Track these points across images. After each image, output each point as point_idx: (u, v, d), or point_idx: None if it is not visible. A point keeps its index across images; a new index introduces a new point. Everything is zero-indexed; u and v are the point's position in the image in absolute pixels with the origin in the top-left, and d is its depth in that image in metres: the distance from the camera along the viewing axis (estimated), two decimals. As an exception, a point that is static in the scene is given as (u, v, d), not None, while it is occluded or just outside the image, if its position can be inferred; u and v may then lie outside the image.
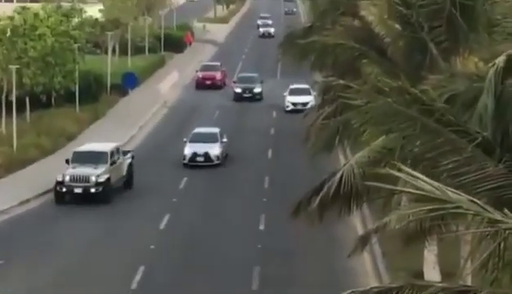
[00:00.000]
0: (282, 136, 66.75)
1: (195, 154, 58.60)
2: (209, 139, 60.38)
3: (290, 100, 76.81)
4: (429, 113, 15.58)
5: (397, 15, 27.87)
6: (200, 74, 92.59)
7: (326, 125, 31.88)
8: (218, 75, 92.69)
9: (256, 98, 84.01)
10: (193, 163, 58.96)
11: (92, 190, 47.81)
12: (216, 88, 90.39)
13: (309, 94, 74.11)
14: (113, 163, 49.46)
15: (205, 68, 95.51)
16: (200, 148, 59.27)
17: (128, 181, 51.53)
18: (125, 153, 52.51)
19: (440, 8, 26.10)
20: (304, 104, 72.61)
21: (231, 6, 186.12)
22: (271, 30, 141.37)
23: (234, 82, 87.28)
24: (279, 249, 39.59)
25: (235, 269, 37.42)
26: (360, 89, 20.03)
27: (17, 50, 62.64)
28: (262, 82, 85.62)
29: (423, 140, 15.52)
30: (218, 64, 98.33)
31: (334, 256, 36.92)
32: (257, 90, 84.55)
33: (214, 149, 59.50)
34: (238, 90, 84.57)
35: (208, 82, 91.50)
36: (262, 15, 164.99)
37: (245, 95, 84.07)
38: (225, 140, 60.80)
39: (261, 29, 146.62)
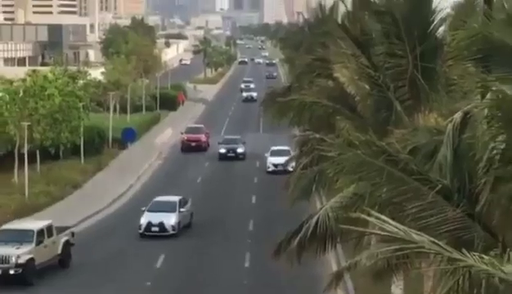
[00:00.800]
0: (264, 184, 66.85)
1: (149, 224, 52.15)
2: (167, 208, 53.76)
3: (272, 161, 71.82)
4: (394, 163, 15.62)
5: (366, 77, 27.98)
6: (185, 136, 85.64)
7: (304, 174, 31.89)
8: (203, 137, 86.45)
9: (239, 157, 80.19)
10: (148, 233, 52.09)
11: (11, 272, 40.19)
12: (201, 150, 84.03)
13: (289, 155, 66.56)
14: (40, 242, 41.82)
15: (190, 130, 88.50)
16: (156, 217, 52.63)
17: (63, 260, 43.92)
18: (62, 229, 44.96)
19: (403, 70, 26.25)
20: (286, 165, 64.44)
21: (219, 69, 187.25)
22: (254, 94, 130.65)
23: (219, 143, 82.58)
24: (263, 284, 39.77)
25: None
26: (333, 142, 19.97)
27: (28, 108, 62.50)
28: (244, 143, 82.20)
29: (389, 187, 15.55)
30: (202, 126, 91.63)
31: (311, 291, 36.78)
32: (239, 150, 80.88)
33: (170, 219, 52.99)
34: (222, 150, 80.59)
35: (193, 144, 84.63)
36: (245, 79, 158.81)
37: (229, 154, 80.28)
38: (184, 209, 54.46)
39: (244, 94, 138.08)
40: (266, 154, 73.46)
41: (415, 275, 25.38)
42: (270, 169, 71.76)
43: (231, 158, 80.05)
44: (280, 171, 64.60)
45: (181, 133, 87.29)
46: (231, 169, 76.08)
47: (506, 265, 9.59)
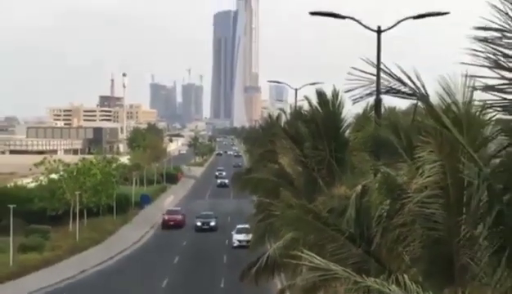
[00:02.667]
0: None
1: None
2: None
3: (237, 237, 59.14)
4: (318, 218, 15.50)
5: (299, 162, 28.01)
6: (166, 217, 72.97)
7: (259, 226, 31.74)
8: (179, 217, 73.10)
9: (212, 229, 69.82)
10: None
11: None
12: (178, 227, 71.17)
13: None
14: None
15: (169, 212, 75.24)
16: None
17: None
18: None
19: (323, 158, 26.26)
20: (248, 242, 51.06)
21: (204, 157, 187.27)
22: (226, 181, 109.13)
23: (196, 218, 71.86)
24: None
25: None
26: (278, 205, 19.99)
27: (79, 182, 63.00)
28: (216, 218, 71.62)
29: (315, 234, 15.41)
30: (179, 208, 78.78)
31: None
32: (212, 224, 70.49)
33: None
34: (198, 223, 70.41)
35: (171, 223, 71.57)
36: (218, 168, 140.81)
37: (204, 227, 70.11)
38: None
39: (218, 180, 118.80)
40: (232, 232, 61.02)
41: (332, 292, 25.16)
42: (235, 244, 58.59)
43: (205, 229, 69.89)
44: (244, 245, 53.49)
45: (163, 214, 74.64)
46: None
47: (391, 285, 9.46)
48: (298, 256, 12.99)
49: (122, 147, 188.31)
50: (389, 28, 21.58)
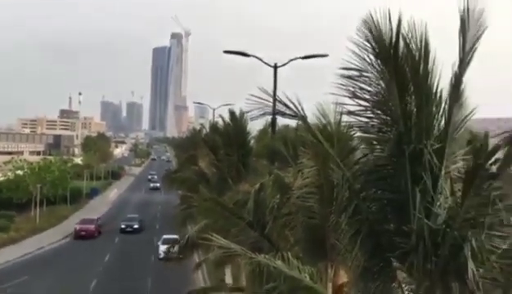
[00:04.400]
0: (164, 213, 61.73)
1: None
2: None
3: (163, 249, 42.51)
4: (225, 208, 15.47)
5: (214, 165, 27.92)
6: (77, 227, 53.85)
7: (183, 213, 31.41)
8: (92, 227, 54.15)
9: (136, 231, 55.73)
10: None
11: None
12: (90, 238, 52.43)
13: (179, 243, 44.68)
14: None
15: (82, 222, 55.41)
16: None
17: None
18: None
19: (233, 162, 26.28)
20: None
21: (142, 159, 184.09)
22: (158, 185, 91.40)
23: (122, 220, 58.20)
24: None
25: None
26: (196, 198, 19.85)
27: (40, 177, 61.45)
28: (141, 221, 58.04)
29: (222, 220, 15.36)
30: (95, 218, 57.96)
31: (188, 271, 35.87)
32: (135, 226, 56.46)
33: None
34: (123, 226, 56.60)
35: (83, 233, 52.78)
36: (151, 172, 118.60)
37: (128, 229, 56.06)
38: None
39: (151, 184, 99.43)
40: (158, 243, 45.44)
41: (237, 264, 25.22)
42: (161, 256, 40.88)
43: (129, 231, 55.96)
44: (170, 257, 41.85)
45: (76, 224, 55.35)
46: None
47: (277, 261, 9.52)
48: (208, 237, 12.96)
49: (77, 150, 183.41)
50: (283, 65, 21.88)
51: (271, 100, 8.76)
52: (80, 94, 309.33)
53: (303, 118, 8.86)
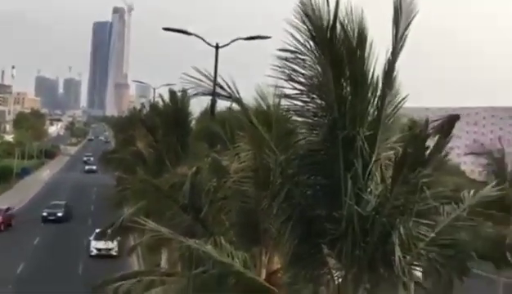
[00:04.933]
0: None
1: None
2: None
3: (95, 245, 38.00)
4: (160, 191, 15.44)
5: (152, 146, 27.70)
6: None
7: (119, 194, 31.05)
8: None
9: (60, 220, 49.04)
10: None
11: None
12: None
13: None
14: None
15: None
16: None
17: None
18: None
19: (171, 143, 26.15)
20: (108, 250, 37.29)
21: (79, 139, 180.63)
22: (94, 167, 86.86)
23: (45, 208, 50.77)
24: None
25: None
26: (131, 179, 19.69)
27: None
28: (67, 207, 51.70)
29: (156, 203, 15.33)
30: (4, 208, 47.72)
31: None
32: (59, 214, 49.56)
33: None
34: (45, 214, 49.54)
35: None
36: (86, 153, 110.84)
37: (50, 218, 49.25)
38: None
39: (86, 167, 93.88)
40: (90, 238, 38.95)
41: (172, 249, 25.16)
42: (93, 253, 37.88)
43: (52, 220, 49.14)
44: (104, 255, 36.93)
45: None
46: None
47: (207, 245, 9.58)
48: (139, 221, 12.90)
49: (8, 127, 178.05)
50: (225, 46, 21.85)
51: (205, 79, 8.75)
52: (13, 67, 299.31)
53: (238, 100, 8.91)
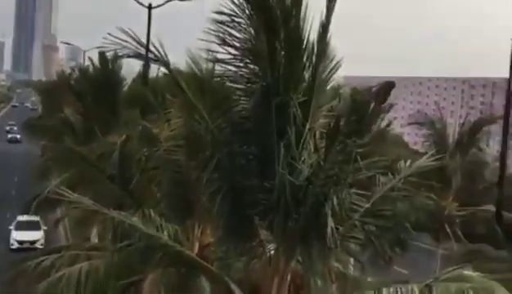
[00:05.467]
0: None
1: None
2: None
3: (16, 236, 33.42)
4: (86, 161, 15.15)
5: (79, 113, 27.18)
6: None
7: (44, 164, 30.33)
8: None
9: None
10: None
11: None
12: None
13: (39, 229, 33.89)
14: None
15: None
16: None
17: None
18: None
19: (102, 111, 25.69)
20: (32, 243, 32.64)
21: (2, 105, 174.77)
22: (18, 136, 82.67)
23: None
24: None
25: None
26: (55, 148, 19.25)
27: None
28: None
29: (82, 173, 15.06)
30: None
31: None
32: None
33: None
34: None
35: None
36: (9, 122, 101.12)
37: None
38: None
39: (9, 135, 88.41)
40: (10, 227, 34.53)
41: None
42: (14, 246, 33.10)
43: None
44: (28, 248, 31.29)
45: None
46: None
47: (133, 218, 9.47)
48: (60, 192, 12.61)
49: None
50: (159, 6, 21.44)
51: (131, 41, 8.54)
52: None
53: (166, 63, 8.75)
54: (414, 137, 62.08)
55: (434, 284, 6.99)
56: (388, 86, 7.56)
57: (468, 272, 7.13)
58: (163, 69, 9.64)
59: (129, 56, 8.65)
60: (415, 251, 28.18)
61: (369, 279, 9.33)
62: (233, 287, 8.70)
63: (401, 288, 7.08)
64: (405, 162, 9.57)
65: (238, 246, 8.76)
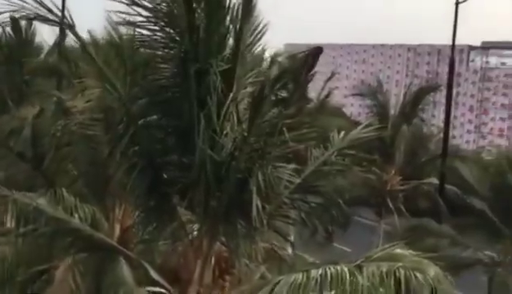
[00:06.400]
0: None
1: None
2: None
3: None
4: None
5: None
6: None
7: None
8: None
9: None
10: None
11: None
12: None
13: None
14: None
15: None
16: None
17: None
18: None
19: (15, 81, 24.72)
20: None
21: None
22: None
23: None
24: None
25: None
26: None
27: None
28: None
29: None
30: None
31: None
32: None
33: None
34: None
35: None
36: None
37: None
38: None
39: None
40: None
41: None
42: None
43: None
44: None
45: None
46: None
47: (40, 199, 9.08)
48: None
49: None
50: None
51: (31, 2, 8.10)
52: None
53: (71, 27, 8.34)
54: (358, 108, 62.74)
55: (365, 264, 6.97)
56: (315, 52, 7.41)
57: (400, 250, 7.13)
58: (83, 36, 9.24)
59: (28, 19, 8.21)
60: (358, 226, 28.66)
61: (310, 259, 9.28)
62: (152, 272, 8.48)
63: (330, 269, 7.02)
64: (337, 134, 9.49)
65: (157, 227, 8.54)
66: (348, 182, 19.52)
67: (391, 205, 26.48)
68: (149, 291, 8.42)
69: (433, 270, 6.63)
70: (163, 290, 8.35)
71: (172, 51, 8.40)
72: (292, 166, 8.59)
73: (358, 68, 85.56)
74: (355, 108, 66.73)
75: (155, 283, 8.53)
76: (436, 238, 20.29)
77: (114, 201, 12.83)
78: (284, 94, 7.93)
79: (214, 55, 8.06)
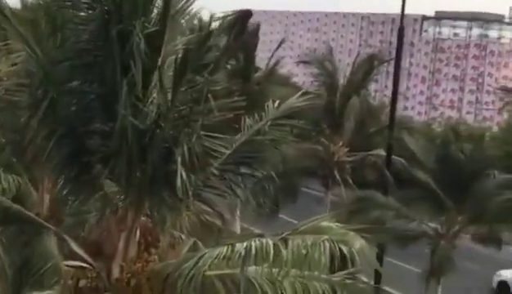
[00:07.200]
0: None
1: None
2: None
3: None
4: None
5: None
6: None
7: None
8: None
9: None
10: None
11: None
12: None
13: None
14: None
15: None
16: None
17: None
18: None
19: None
20: None
21: None
22: None
23: None
24: None
25: None
26: None
27: None
28: None
29: None
30: None
31: None
32: None
33: None
34: None
35: None
36: None
37: None
38: None
39: None
40: None
41: None
42: None
43: None
44: None
45: None
46: None
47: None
48: None
49: None
50: None
51: None
52: None
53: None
54: (310, 78, 62.73)
55: (291, 237, 6.87)
56: (244, 17, 7.19)
57: (327, 223, 7.06)
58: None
59: None
60: (306, 197, 28.73)
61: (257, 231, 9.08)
62: (74, 246, 8.24)
63: (255, 241, 6.91)
64: (272, 102, 9.29)
65: (77, 198, 8.29)
66: (292, 154, 19.48)
67: (338, 176, 26.58)
68: (70, 265, 8.18)
69: (358, 243, 6.59)
70: (84, 264, 8.14)
71: (95, 12, 8.07)
72: (222, 136, 8.38)
73: (311, 36, 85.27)
74: (307, 77, 66.65)
75: (78, 257, 8.31)
76: (381, 210, 20.40)
77: (43, 171, 12.51)
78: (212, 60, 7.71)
79: (139, 16, 7.77)
